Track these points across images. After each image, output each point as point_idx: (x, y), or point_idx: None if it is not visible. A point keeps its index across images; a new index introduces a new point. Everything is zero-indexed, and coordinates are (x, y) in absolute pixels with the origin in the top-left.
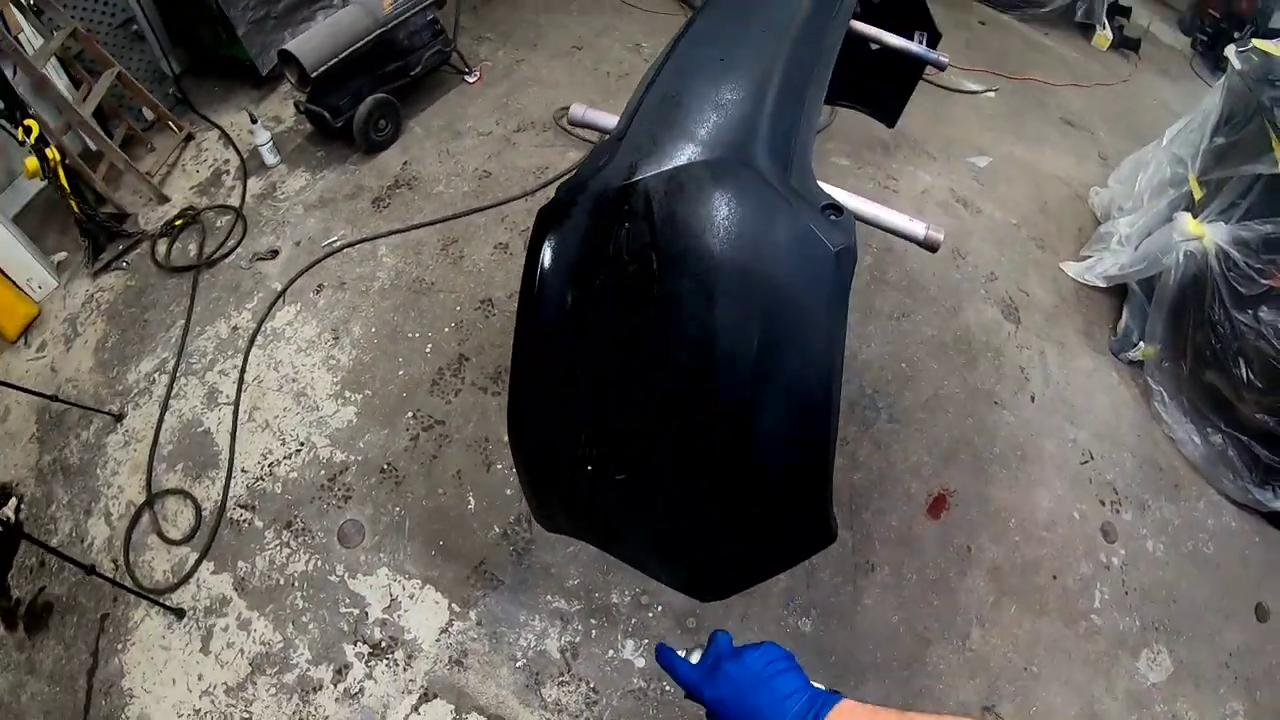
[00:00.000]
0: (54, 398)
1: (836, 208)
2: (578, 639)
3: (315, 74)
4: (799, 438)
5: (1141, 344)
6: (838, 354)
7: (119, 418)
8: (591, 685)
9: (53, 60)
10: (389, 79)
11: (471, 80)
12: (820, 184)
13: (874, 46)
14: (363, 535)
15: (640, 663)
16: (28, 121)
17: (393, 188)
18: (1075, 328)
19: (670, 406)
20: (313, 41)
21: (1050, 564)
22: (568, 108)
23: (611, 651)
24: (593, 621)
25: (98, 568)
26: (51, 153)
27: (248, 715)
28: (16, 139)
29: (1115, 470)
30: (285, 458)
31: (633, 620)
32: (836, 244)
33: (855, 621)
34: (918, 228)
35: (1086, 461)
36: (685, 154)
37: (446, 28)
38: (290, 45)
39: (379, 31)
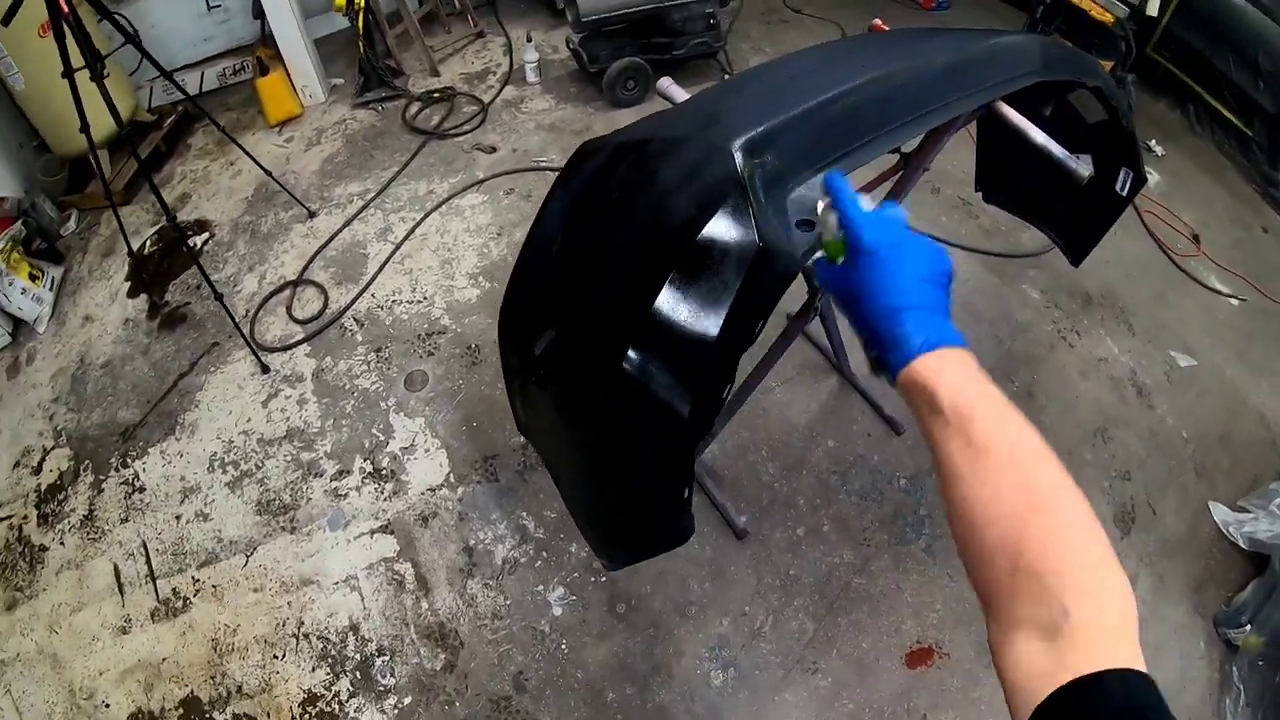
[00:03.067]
0: (273, 176)
1: (809, 224)
2: (523, 559)
3: (586, 19)
4: (665, 409)
5: (1249, 628)
6: (727, 353)
7: (312, 214)
8: (508, 601)
9: None
10: (653, 50)
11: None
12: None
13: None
14: (424, 386)
15: (557, 611)
16: None
17: None
18: (1188, 573)
19: (584, 320)
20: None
21: None
22: None
23: (541, 586)
24: (545, 554)
25: (233, 311)
26: None
27: (261, 466)
28: None
29: None
30: (407, 301)
31: (574, 575)
32: (770, 241)
33: (761, 705)
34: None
35: None
36: (703, 133)
37: (722, 26)
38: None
39: (656, 5)
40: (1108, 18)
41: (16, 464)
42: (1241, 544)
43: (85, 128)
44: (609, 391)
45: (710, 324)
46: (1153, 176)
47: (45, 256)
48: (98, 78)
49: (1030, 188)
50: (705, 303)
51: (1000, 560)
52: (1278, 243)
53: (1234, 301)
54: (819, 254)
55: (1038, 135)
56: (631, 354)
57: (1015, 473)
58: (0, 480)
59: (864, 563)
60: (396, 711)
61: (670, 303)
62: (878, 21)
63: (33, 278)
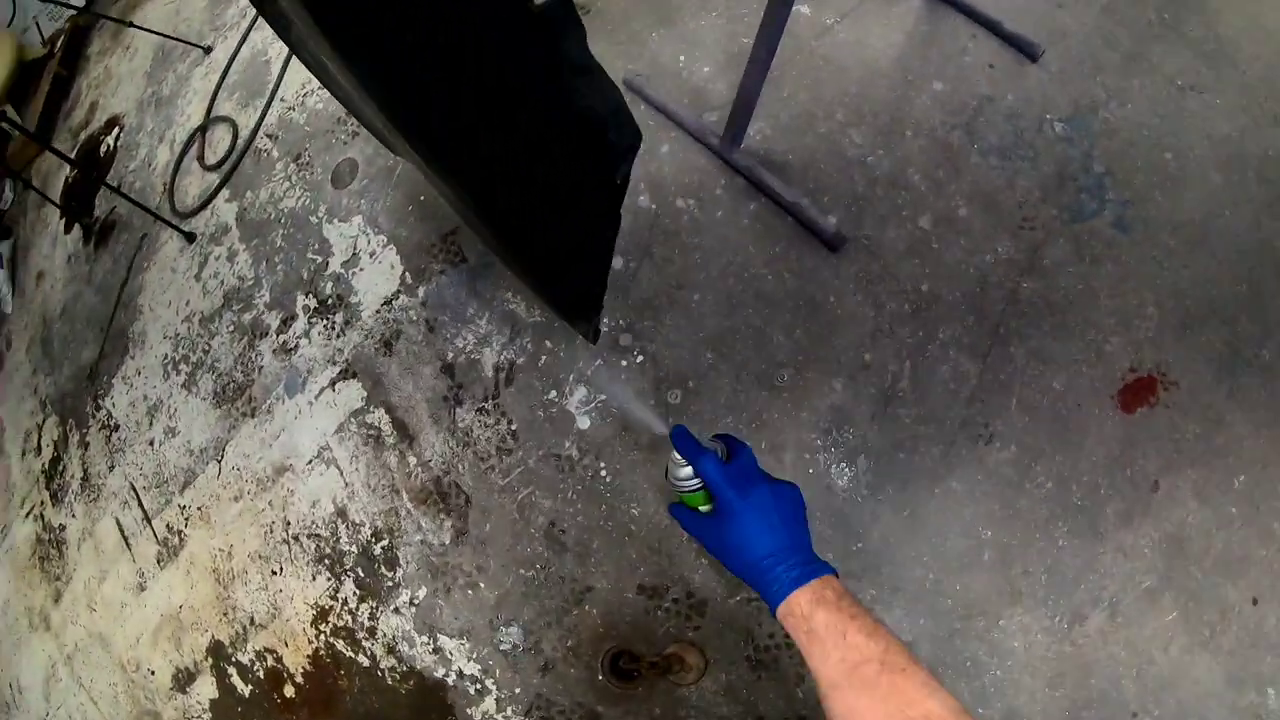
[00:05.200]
0: (163, 34)
1: None
2: (521, 359)
3: None
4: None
5: None
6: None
7: (208, 50)
8: (513, 426)
9: None
10: None
11: None
12: None
13: None
14: (354, 176)
15: (583, 423)
16: None
17: None
18: None
19: None
20: None
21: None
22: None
23: (554, 393)
24: (547, 344)
25: (151, 192)
26: None
27: (208, 350)
28: None
29: None
30: (318, 88)
31: (597, 361)
32: None
33: (918, 505)
34: None
35: None
36: None
37: None
38: None
39: None
40: None
41: (23, 452)
42: None
43: None
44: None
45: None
46: None
47: None
48: None
49: None
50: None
51: None
52: None
53: None
54: (677, 501)
55: None
56: None
57: (886, 682)
58: (17, 474)
59: (1031, 255)
60: (414, 609)
61: None
62: None
63: None
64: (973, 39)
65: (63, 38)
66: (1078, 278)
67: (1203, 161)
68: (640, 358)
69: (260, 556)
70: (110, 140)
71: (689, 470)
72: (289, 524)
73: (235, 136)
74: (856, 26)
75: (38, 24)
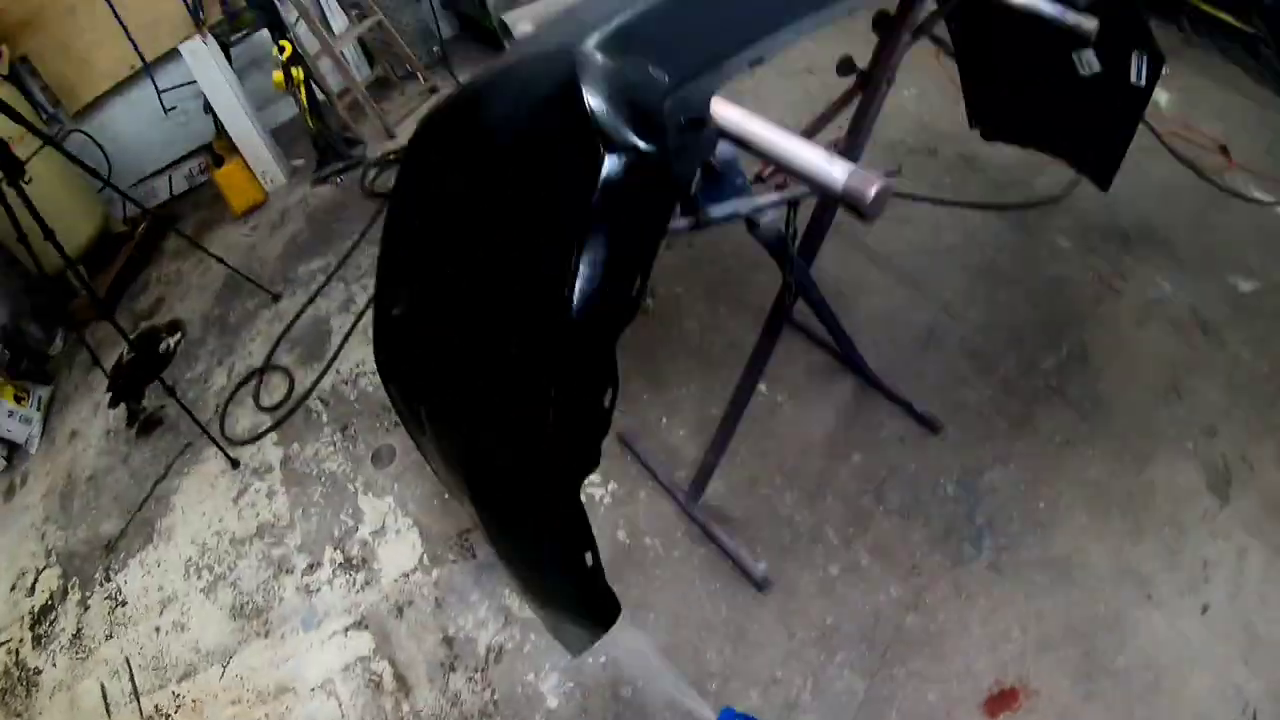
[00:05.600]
0: (231, 266)
1: (700, 121)
2: (509, 644)
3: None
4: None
5: None
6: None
7: (276, 298)
8: (495, 696)
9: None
10: None
11: None
12: (724, 104)
13: (1083, 70)
14: (392, 460)
15: (552, 703)
16: (283, 42)
17: None
18: None
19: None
20: (535, 10)
21: None
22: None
23: (532, 675)
24: (532, 636)
25: (204, 407)
26: (296, 72)
27: (233, 568)
28: (273, 55)
29: None
30: (371, 373)
31: (569, 657)
32: (620, 143)
33: None
34: (836, 172)
35: None
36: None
37: None
38: (508, 15)
39: None
40: None
41: (13, 587)
42: None
43: (23, 239)
44: (475, 420)
45: (556, 283)
46: (1163, 95)
47: (33, 377)
48: (15, 183)
49: (1031, 103)
50: (552, 273)
51: None
52: None
53: (1278, 208)
54: None
55: None
56: (491, 371)
57: None
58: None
59: (916, 596)
60: None
61: (519, 301)
62: None
63: (18, 399)
64: (889, 416)
65: (143, 225)
66: (955, 612)
67: (1072, 504)
68: (603, 659)
69: None
70: (171, 342)
71: None
72: None
73: (290, 389)
74: (799, 403)
75: (124, 201)
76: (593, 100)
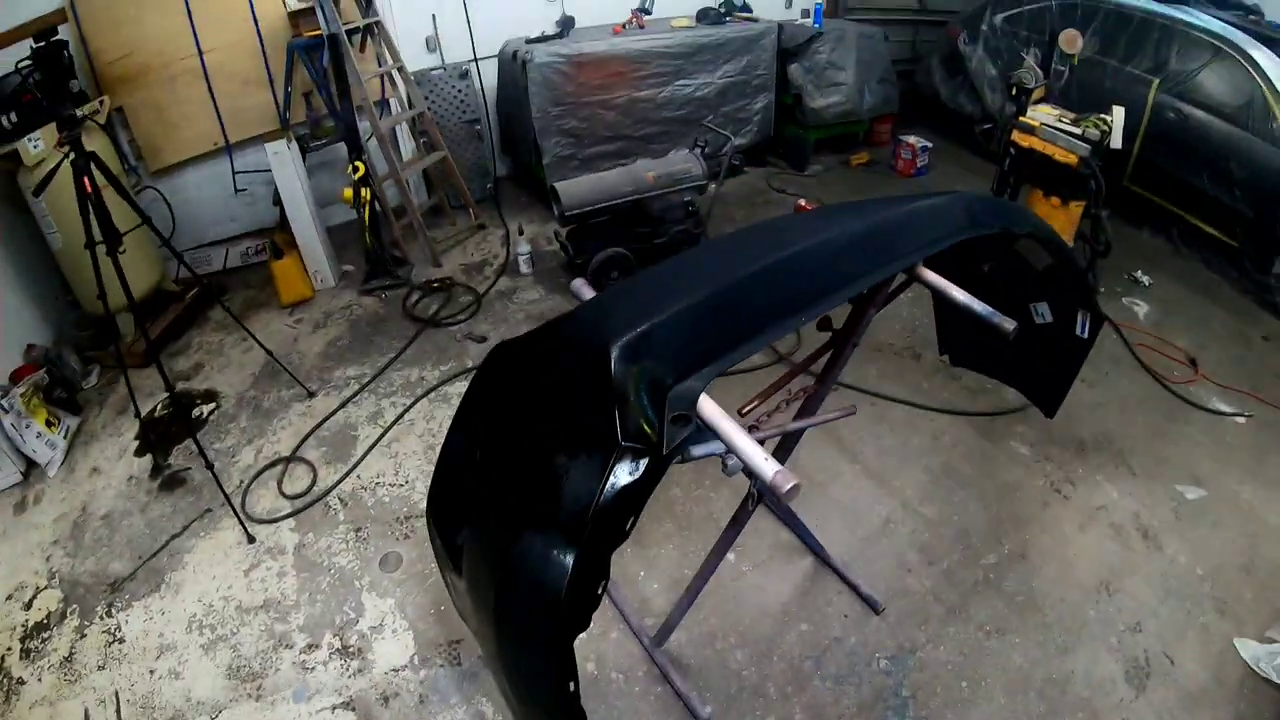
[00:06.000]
0: (277, 359)
1: (686, 418)
2: None
3: (569, 213)
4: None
5: None
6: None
7: (311, 394)
8: None
9: (404, 127)
10: (636, 239)
11: None
12: (705, 401)
13: (1038, 319)
14: (398, 567)
15: None
16: (358, 163)
17: None
18: None
19: (488, 516)
20: (578, 187)
21: None
22: None
23: None
24: None
25: (229, 480)
26: (365, 192)
27: (236, 632)
28: (348, 173)
29: None
30: (390, 484)
31: None
32: (632, 435)
33: None
34: (767, 469)
35: None
36: (591, 334)
37: (702, 213)
38: (559, 184)
39: (635, 197)
40: (1071, 159)
41: (9, 596)
42: (1275, 679)
43: (102, 295)
44: (502, 578)
45: (574, 526)
46: (1141, 307)
47: (64, 406)
48: (113, 254)
49: (988, 345)
50: (574, 503)
51: None
52: (1278, 349)
53: (1240, 420)
54: None
55: (958, 294)
56: (518, 547)
57: None
58: None
59: None
60: None
61: (545, 507)
62: (801, 202)
63: (49, 424)
64: (838, 594)
65: (194, 290)
66: None
67: (992, 687)
68: None
69: None
70: (205, 410)
71: None
72: None
73: (313, 483)
74: (762, 574)
75: (180, 263)
76: (618, 405)
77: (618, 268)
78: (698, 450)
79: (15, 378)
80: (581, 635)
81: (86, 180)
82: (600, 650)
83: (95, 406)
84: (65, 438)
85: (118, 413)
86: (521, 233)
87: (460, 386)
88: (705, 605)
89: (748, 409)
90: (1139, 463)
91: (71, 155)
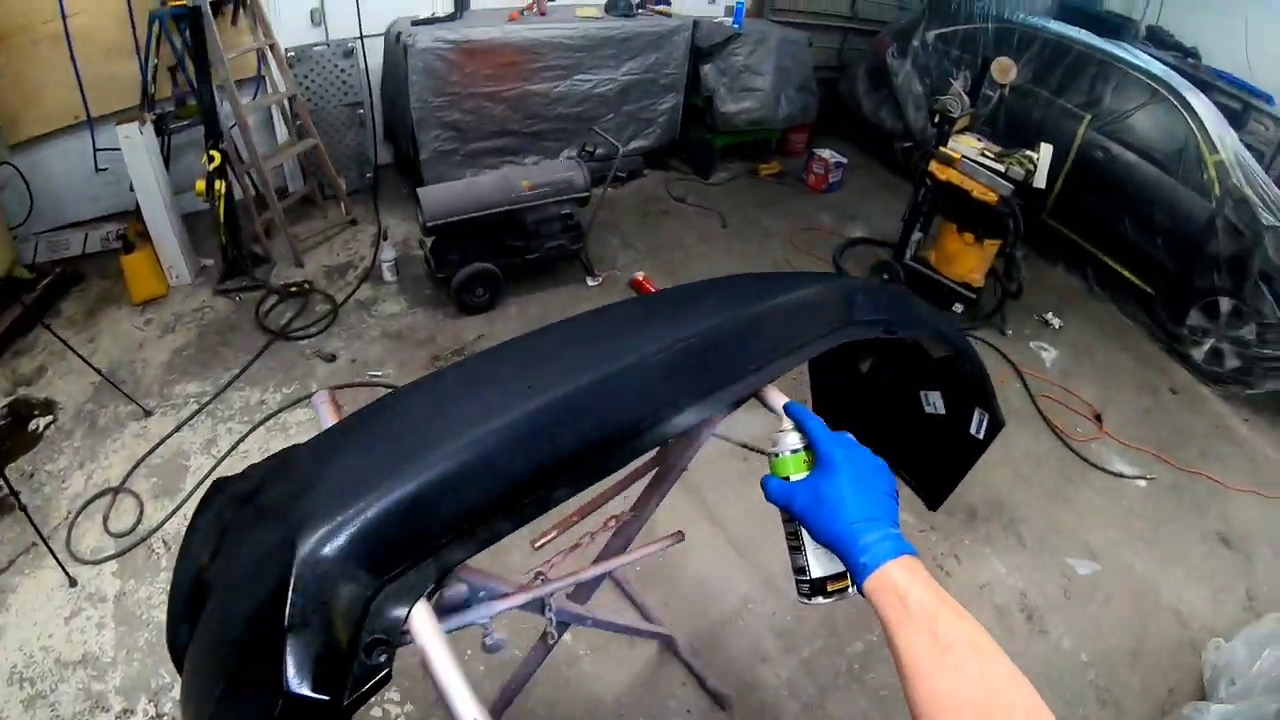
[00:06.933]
0: (105, 376)
1: (386, 645)
2: None
3: (432, 224)
4: None
5: None
6: None
7: (148, 413)
8: None
9: (277, 110)
10: (506, 253)
11: (592, 284)
12: (422, 615)
13: (927, 408)
14: None
15: None
16: (213, 151)
17: (455, 353)
18: None
19: None
20: (443, 193)
21: None
22: None
23: None
24: None
25: (55, 509)
26: (219, 185)
27: (54, 689)
28: (203, 162)
29: None
30: None
31: None
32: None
33: None
34: (464, 714)
35: None
36: (286, 508)
37: (583, 226)
38: (423, 190)
39: (507, 208)
40: (991, 197)
41: None
42: None
43: None
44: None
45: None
46: (1049, 353)
47: None
48: None
49: (872, 417)
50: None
51: None
52: (1186, 403)
53: (1141, 483)
54: (768, 474)
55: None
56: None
57: (975, 667)
58: None
59: None
60: None
61: None
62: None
63: None
64: (682, 685)
65: (49, 278)
66: None
67: None
68: None
69: None
70: (41, 424)
71: (793, 437)
72: None
73: (139, 520)
74: (600, 659)
75: (36, 244)
76: (292, 629)
77: (485, 285)
78: (454, 621)
79: None
80: (392, 699)
81: None
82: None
83: None
84: None
85: None
86: (386, 237)
87: (300, 415)
88: (534, 692)
89: (542, 541)
90: (1031, 532)
91: None
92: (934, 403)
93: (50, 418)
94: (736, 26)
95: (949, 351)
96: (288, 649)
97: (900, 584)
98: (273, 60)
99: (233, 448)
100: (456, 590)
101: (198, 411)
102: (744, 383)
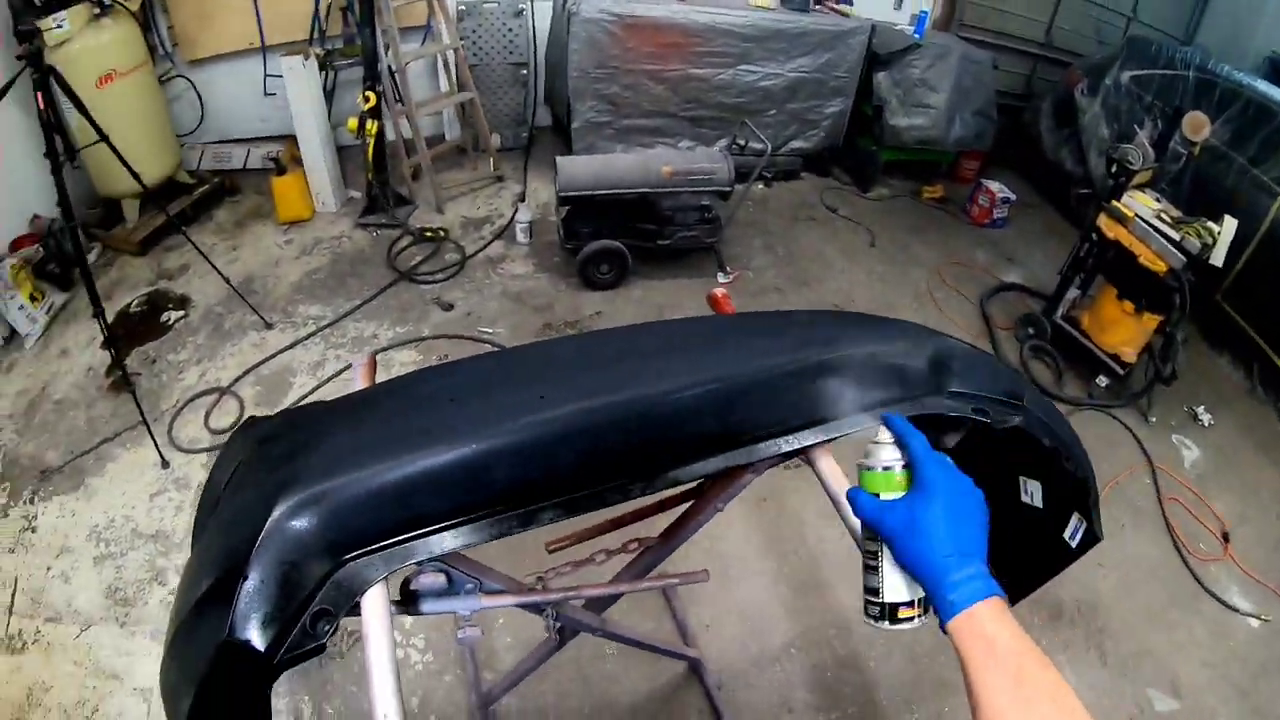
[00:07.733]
0: (239, 292)
1: (330, 616)
2: None
3: (563, 194)
4: None
5: None
6: None
7: (269, 325)
8: None
9: (440, 60)
10: (638, 235)
11: (723, 280)
12: (374, 602)
13: (1025, 497)
14: None
15: None
16: (369, 93)
17: (569, 325)
18: None
19: None
20: (582, 166)
21: None
22: None
23: None
24: None
25: (166, 398)
26: (370, 125)
27: (124, 554)
28: (359, 101)
29: None
30: None
31: None
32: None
33: None
34: None
35: None
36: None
37: (721, 220)
38: (562, 159)
39: (644, 190)
40: (1160, 266)
41: None
42: None
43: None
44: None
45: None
46: (1191, 452)
47: (55, 281)
48: (57, 170)
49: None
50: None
51: None
52: None
53: (1254, 623)
54: (856, 487)
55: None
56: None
57: (1054, 716)
58: None
59: None
60: None
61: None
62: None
63: (33, 298)
64: (699, 714)
65: (205, 187)
66: None
67: None
68: None
69: (65, 712)
70: (174, 316)
71: (890, 451)
72: (97, 710)
73: (237, 422)
74: (625, 664)
75: (202, 153)
76: (243, 579)
77: (611, 263)
78: (431, 606)
79: (15, 246)
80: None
81: (40, 96)
82: (428, 690)
83: (83, 287)
84: (47, 314)
85: (103, 297)
86: (525, 199)
87: (407, 355)
88: (550, 677)
89: (556, 546)
90: (1116, 649)
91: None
92: (1032, 493)
93: (182, 313)
94: (917, 36)
95: (1054, 445)
96: (239, 599)
97: (988, 628)
98: (439, 12)
99: (335, 374)
100: (434, 579)
101: (313, 333)
102: (787, 438)
